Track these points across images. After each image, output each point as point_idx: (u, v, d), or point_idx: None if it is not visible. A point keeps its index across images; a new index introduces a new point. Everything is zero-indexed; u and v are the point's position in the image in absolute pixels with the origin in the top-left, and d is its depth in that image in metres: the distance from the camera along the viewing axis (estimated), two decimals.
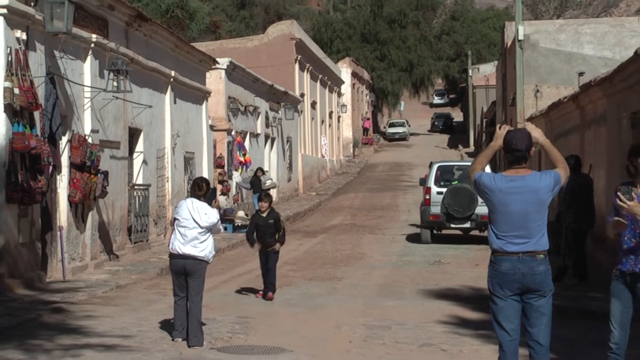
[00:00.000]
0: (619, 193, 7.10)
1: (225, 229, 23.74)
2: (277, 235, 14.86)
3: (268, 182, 29.54)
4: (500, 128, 7.31)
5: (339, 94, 57.83)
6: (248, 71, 32.69)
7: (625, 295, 7.28)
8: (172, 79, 22.92)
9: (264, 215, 14.88)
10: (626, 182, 7.43)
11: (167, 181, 22.86)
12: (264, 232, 14.78)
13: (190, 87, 25.01)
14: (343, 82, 58.72)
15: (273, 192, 28.74)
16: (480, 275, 18.20)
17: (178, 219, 10.98)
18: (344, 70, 59.75)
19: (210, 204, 11.25)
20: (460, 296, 15.59)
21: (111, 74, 18.08)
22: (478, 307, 14.21)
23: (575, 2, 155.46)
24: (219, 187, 27.62)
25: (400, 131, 74.98)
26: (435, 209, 24.26)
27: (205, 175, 26.03)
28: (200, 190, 11.21)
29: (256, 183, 29.01)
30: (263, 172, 30.10)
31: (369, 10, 74.95)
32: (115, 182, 18.70)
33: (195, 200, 11.04)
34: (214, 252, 11.12)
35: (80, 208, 16.99)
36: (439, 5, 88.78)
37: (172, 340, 10.76)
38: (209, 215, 10.83)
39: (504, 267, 7.01)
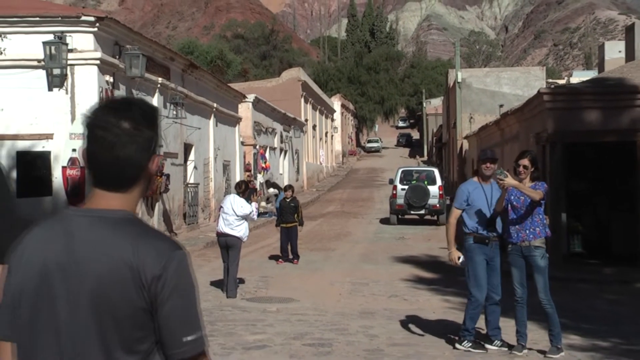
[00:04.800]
0: (497, 176, 6.98)
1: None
2: (295, 215, 15.04)
3: (270, 190, 29.53)
4: (452, 257, 7.55)
5: (332, 119, 57.83)
6: (268, 103, 32.73)
7: (521, 263, 7.24)
8: (214, 109, 22.94)
9: (288, 200, 15.17)
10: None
11: (211, 181, 22.89)
12: (287, 212, 15.02)
13: (227, 115, 25.04)
14: (335, 111, 58.72)
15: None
16: (432, 247, 18.24)
17: (222, 208, 11.06)
18: (336, 103, 59.74)
19: (249, 200, 11.32)
20: (417, 261, 15.61)
21: (172, 106, 18.12)
22: (430, 269, 14.23)
23: (496, 56, 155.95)
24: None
25: (375, 145, 74.83)
26: (400, 200, 24.31)
27: (237, 176, 26.07)
28: (239, 189, 11.29)
29: (276, 186, 28.91)
30: (273, 183, 30.04)
31: (353, 61, 75.09)
32: (175, 181, 18.72)
33: (235, 195, 11.12)
34: (247, 234, 11.16)
35: (150, 200, 17.00)
36: (402, 57, 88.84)
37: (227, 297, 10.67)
38: (244, 207, 10.88)
39: None
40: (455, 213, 7.41)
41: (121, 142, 1.83)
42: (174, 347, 1.79)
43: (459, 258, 7.37)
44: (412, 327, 8.70)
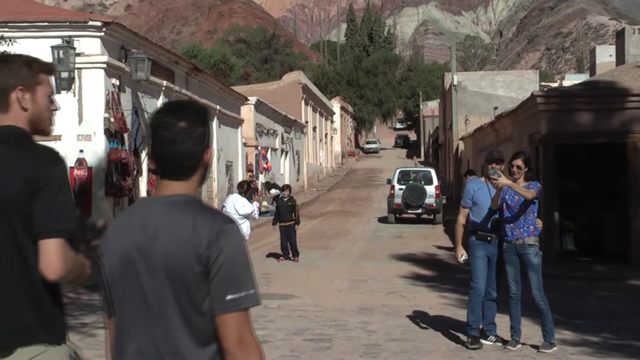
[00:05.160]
0: (491, 176, 6.97)
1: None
2: (292, 214, 14.97)
3: (272, 191, 29.53)
4: (457, 255, 7.56)
5: (332, 121, 57.79)
6: (269, 106, 32.74)
7: (515, 260, 7.20)
8: (217, 111, 22.94)
9: (285, 199, 15.11)
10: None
11: (214, 181, 22.90)
12: (284, 211, 14.98)
13: (230, 117, 25.05)
14: (334, 113, 58.71)
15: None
16: (428, 245, 18.25)
17: (225, 207, 11.04)
18: (335, 105, 59.71)
19: (250, 200, 11.31)
20: (415, 259, 15.62)
21: None
22: (427, 266, 14.23)
23: (491, 59, 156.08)
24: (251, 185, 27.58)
25: (374, 147, 74.75)
26: (398, 200, 24.30)
27: (240, 176, 26.09)
28: (242, 188, 11.28)
29: (277, 187, 28.97)
30: (273, 184, 30.09)
31: (352, 64, 75.02)
32: None
33: (237, 195, 11.11)
34: (249, 232, 11.14)
35: None
36: (400, 61, 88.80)
37: None
38: (245, 207, 10.88)
39: None
40: (463, 211, 7.46)
41: (179, 138, 2.13)
42: (217, 304, 2.02)
43: (462, 256, 7.37)
44: (409, 322, 8.69)
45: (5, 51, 11.02)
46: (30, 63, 2.59)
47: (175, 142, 2.12)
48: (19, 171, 2.42)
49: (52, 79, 2.66)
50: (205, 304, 2.04)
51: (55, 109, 2.65)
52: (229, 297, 2.02)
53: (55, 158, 2.51)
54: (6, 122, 2.54)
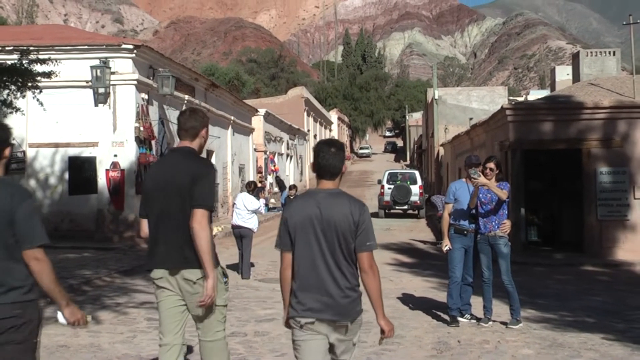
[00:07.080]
0: (472, 175, 6.97)
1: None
2: None
3: (275, 189, 29.52)
4: (442, 245, 7.45)
5: (330, 130, 57.77)
6: (276, 117, 32.76)
7: (487, 250, 7.17)
8: (232, 121, 22.97)
9: (292, 198, 15.03)
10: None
11: (228, 182, 22.91)
12: None
13: (242, 126, 25.06)
14: (332, 123, 58.70)
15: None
16: (414, 237, 18.22)
17: (235, 204, 11.01)
18: (333, 116, 59.72)
19: (257, 197, 11.25)
20: (401, 249, 15.63)
21: None
22: (412, 255, 14.22)
23: (467, 77, 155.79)
24: (259, 184, 27.66)
25: (366, 152, 74.58)
26: (387, 197, 24.36)
27: (251, 177, 26.10)
28: (249, 187, 11.23)
29: (282, 185, 29.01)
30: (282, 181, 30.10)
31: (348, 81, 74.95)
32: None
33: (246, 194, 11.05)
34: (257, 226, 11.10)
35: None
36: (389, 78, 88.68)
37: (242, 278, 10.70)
38: (253, 204, 10.83)
39: None
40: (447, 207, 7.42)
41: (332, 157, 3.29)
42: (361, 246, 3.20)
43: (445, 246, 7.36)
44: (397, 303, 8.70)
45: (52, 71, 11.04)
46: (202, 115, 4.00)
47: (330, 159, 3.27)
48: (188, 170, 3.72)
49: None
50: (352, 246, 3.19)
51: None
52: (368, 243, 3.19)
53: (209, 163, 3.85)
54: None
